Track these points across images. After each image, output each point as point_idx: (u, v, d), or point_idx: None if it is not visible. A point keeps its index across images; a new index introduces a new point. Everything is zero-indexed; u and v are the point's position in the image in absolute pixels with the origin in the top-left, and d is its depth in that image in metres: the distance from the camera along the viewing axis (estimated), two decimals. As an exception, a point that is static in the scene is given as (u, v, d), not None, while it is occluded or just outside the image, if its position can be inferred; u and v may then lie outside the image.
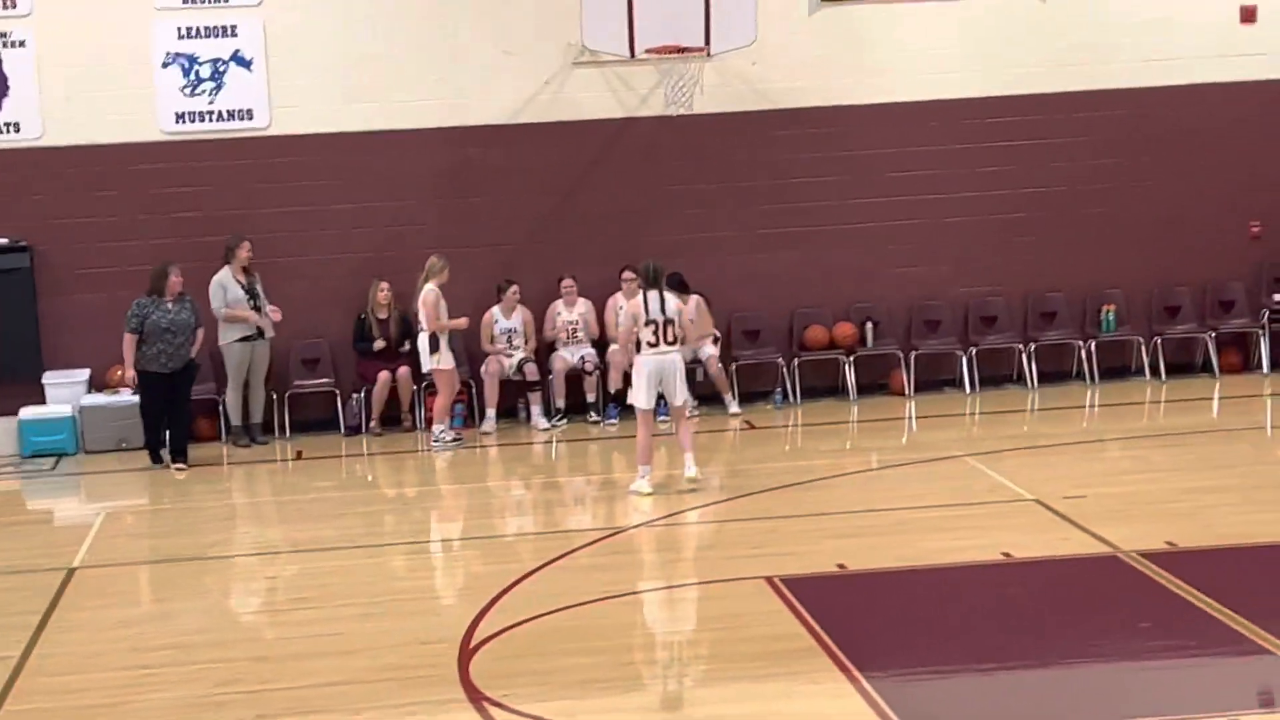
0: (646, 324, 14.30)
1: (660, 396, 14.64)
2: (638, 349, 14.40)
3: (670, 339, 14.34)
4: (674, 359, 14.38)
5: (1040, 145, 18.91)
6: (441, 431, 17.04)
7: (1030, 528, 12.69)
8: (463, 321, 17.36)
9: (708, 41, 17.24)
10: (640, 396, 14.38)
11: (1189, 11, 18.90)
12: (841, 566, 11.78)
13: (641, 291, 14.53)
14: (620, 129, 18.51)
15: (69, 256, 17.83)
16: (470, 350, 18.20)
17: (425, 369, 17.28)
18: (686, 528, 13.55)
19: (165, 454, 16.64)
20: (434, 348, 16.97)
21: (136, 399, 17.09)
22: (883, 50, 18.75)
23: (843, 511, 13.65)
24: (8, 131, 17.82)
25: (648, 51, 17.30)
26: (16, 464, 17.28)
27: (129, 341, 16.30)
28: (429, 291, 16.96)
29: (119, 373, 17.58)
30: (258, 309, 17.40)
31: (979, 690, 9.47)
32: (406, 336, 17.68)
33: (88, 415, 17.51)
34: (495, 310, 18.08)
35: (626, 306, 14.95)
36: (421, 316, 17.03)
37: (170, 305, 16.30)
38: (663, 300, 14.37)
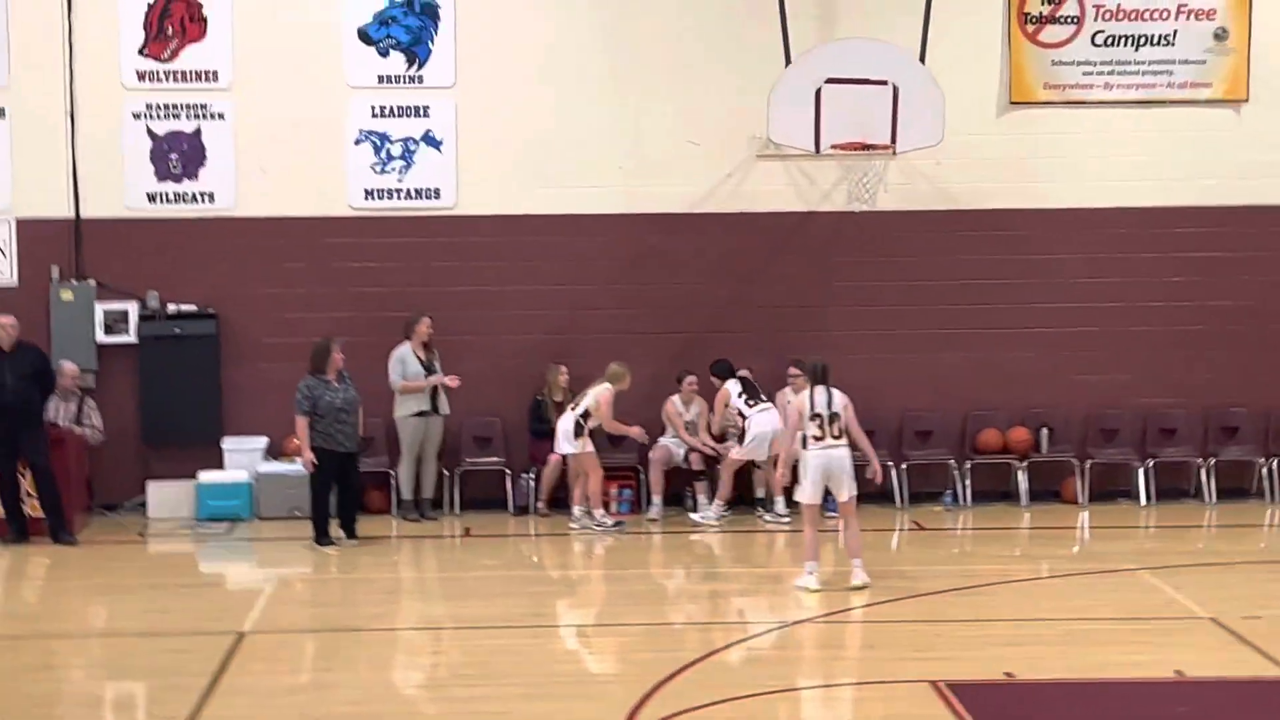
0: (812, 418, 14.25)
1: (827, 492, 14.55)
2: (804, 445, 14.34)
3: (836, 434, 14.27)
4: (841, 454, 14.30)
5: (1228, 258, 18.63)
6: (603, 516, 17.07)
7: (1204, 646, 12.39)
8: (635, 430, 17.45)
9: (894, 140, 17.24)
10: (806, 492, 14.31)
11: (1388, 128, 18.57)
12: (1009, 675, 11.58)
13: (809, 387, 14.49)
14: (801, 222, 18.52)
15: (253, 325, 18.20)
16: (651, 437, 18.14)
17: (561, 450, 17.33)
18: (850, 626, 13.41)
19: (334, 532, 16.60)
20: (579, 432, 17.03)
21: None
22: (1070, 155, 18.62)
23: (1010, 619, 13.41)
24: (202, 201, 18.25)
25: (833, 147, 17.33)
26: (192, 527, 17.58)
27: (302, 424, 16.30)
28: (606, 390, 17.07)
29: (294, 442, 17.85)
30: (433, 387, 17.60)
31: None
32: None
33: (263, 482, 17.78)
34: (676, 400, 18.07)
35: (794, 402, 14.91)
36: (589, 409, 17.10)
37: (336, 384, 16.41)
38: (829, 395, 14.32)
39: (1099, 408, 18.74)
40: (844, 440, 14.35)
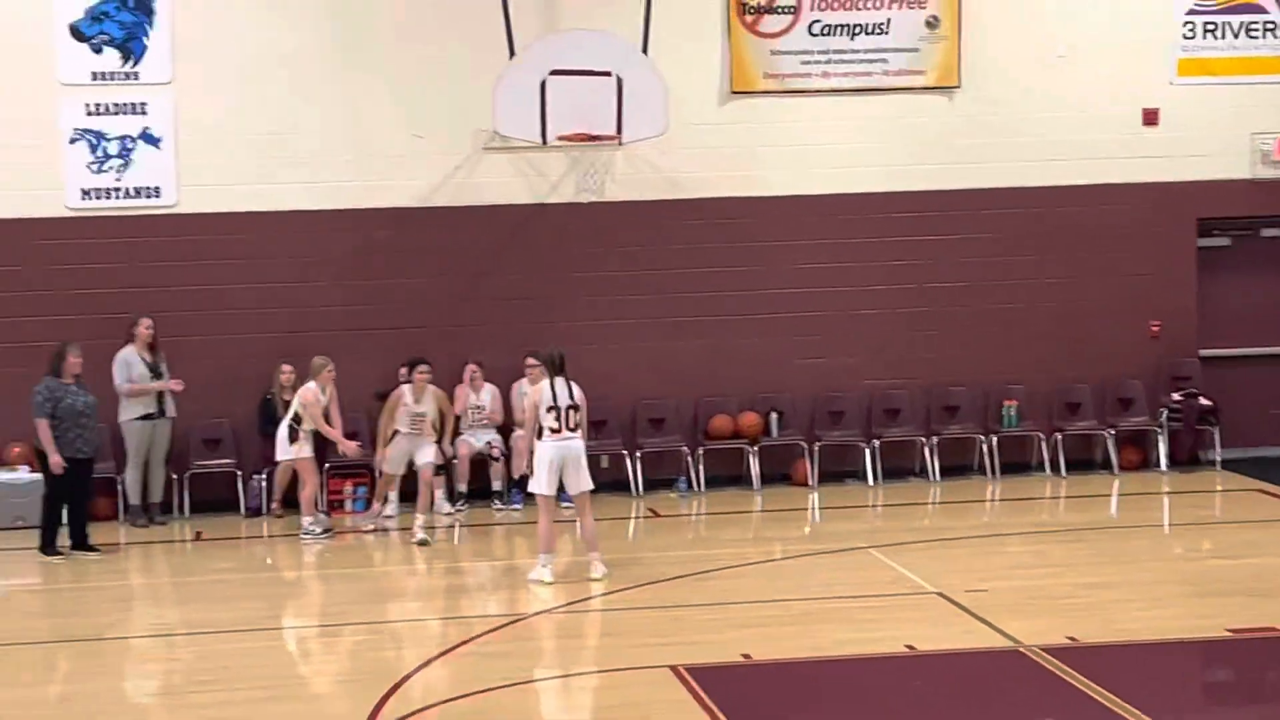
0: (549, 410, 14.28)
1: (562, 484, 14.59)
2: (539, 435, 14.37)
3: (573, 425, 14.33)
4: (577, 446, 14.36)
5: (946, 240, 19.11)
6: (311, 524, 16.86)
7: (933, 621, 12.73)
8: (351, 447, 17.05)
9: (619, 130, 17.38)
10: (541, 483, 14.34)
11: (1094, 112, 19.21)
12: (746, 656, 11.76)
13: (546, 378, 14.51)
14: (531, 214, 18.55)
15: (-32, 331, 17.64)
16: (374, 434, 18.07)
17: (279, 457, 17.11)
18: (589, 615, 13.49)
19: (61, 544, 16.09)
20: (293, 438, 16.83)
21: (32, 477, 16.88)
22: (791, 143, 18.92)
23: (747, 601, 13.61)
24: (-91, 203, 17.65)
25: (560, 138, 17.40)
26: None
27: (44, 427, 15.75)
28: (307, 389, 16.84)
29: (16, 450, 17.37)
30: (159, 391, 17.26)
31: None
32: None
33: (-22, 491, 17.26)
34: (406, 392, 17.95)
35: (529, 393, 14.94)
36: (298, 411, 16.89)
37: (75, 387, 15.98)
38: (569, 387, 14.37)
39: (826, 390, 19.10)
40: (579, 432, 14.42)
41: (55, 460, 15.75)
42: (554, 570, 14.31)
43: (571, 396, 14.33)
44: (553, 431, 14.27)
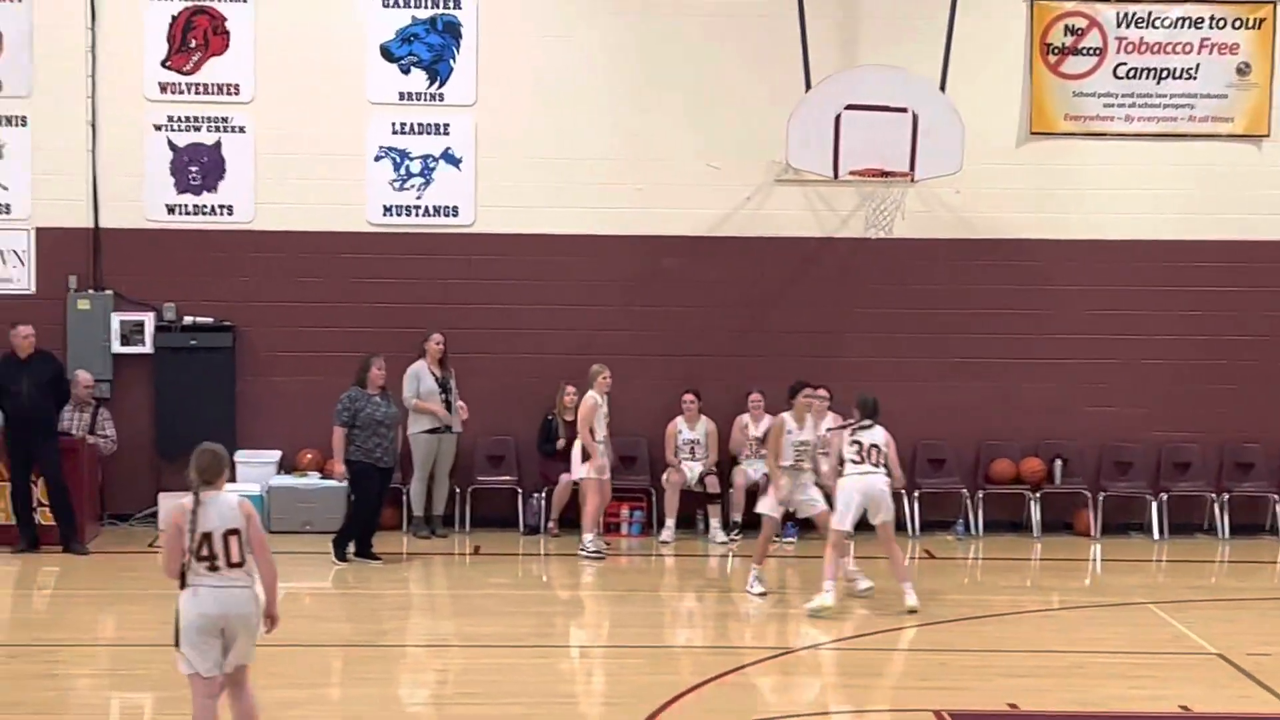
0: (850, 444, 14.44)
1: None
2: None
3: (876, 461, 14.45)
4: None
5: (1245, 293, 18.59)
6: (590, 540, 17.05)
7: (1210, 682, 12.36)
8: (339, 469, 16.60)
9: (912, 167, 17.27)
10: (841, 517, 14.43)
11: None
12: (1013, 706, 11.55)
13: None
14: (818, 248, 18.52)
15: (269, 339, 18.23)
16: (653, 459, 18.27)
17: (575, 476, 17.32)
18: (857, 653, 13.37)
19: (350, 552, 16.46)
20: (585, 456, 17.02)
21: (321, 483, 17.39)
22: (1090, 186, 18.61)
23: (1018, 650, 13.39)
24: (221, 213, 18.30)
25: (851, 173, 17.36)
26: (203, 538, 17.55)
27: (339, 435, 16.14)
28: (586, 398, 17.06)
29: (308, 456, 17.91)
30: (448, 403, 17.61)
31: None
32: (569, 438, 17.72)
33: (275, 496, 17.78)
34: (679, 420, 18.12)
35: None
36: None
37: (378, 398, 16.36)
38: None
39: (1113, 440, 18.69)
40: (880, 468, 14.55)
41: (337, 469, 16.19)
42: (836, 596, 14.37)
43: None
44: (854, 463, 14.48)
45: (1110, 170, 18.63)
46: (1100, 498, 18.45)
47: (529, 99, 18.41)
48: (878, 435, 14.65)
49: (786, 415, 14.95)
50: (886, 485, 14.55)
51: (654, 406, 18.06)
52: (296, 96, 18.27)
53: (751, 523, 17.85)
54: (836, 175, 17.37)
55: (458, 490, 18.13)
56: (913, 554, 17.55)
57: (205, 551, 9.44)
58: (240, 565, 9.48)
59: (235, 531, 9.47)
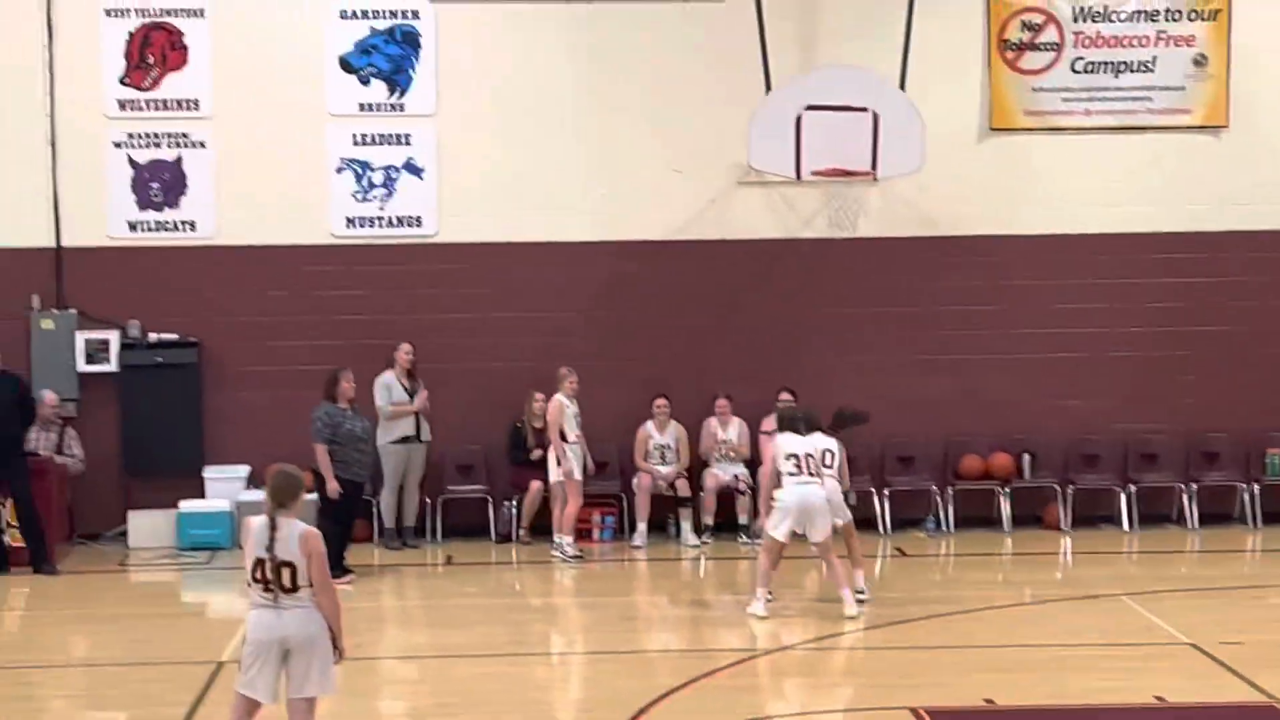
0: (787, 457, 14.25)
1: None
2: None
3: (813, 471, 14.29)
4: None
5: (1209, 283, 18.66)
6: (568, 545, 17.04)
7: (1185, 672, 12.39)
8: (565, 462, 16.97)
9: (874, 166, 17.30)
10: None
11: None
12: (989, 701, 11.57)
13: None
14: (782, 249, 18.55)
15: (235, 354, 18.16)
16: (624, 464, 18.27)
17: (552, 479, 17.29)
18: (832, 653, 13.41)
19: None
20: (558, 459, 17.03)
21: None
22: (1052, 180, 18.67)
23: (993, 645, 13.42)
24: (183, 229, 18.24)
25: (814, 173, 17.39)
26: (173, 556, 17.54)
27: (323, 451, 15.91)
28: (553, 402, 17.08)
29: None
30: (416, 414, 17.60)
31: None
32: (540, 445, 17.70)
33: (245, 511, 17.58)
34: (649, 425, 18.13)
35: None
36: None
37: (350, 412, 16.21)
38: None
39: (1081, 433, 18.75)
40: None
41: (333, 486, 15.90)
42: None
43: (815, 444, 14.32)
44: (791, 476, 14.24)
45: (1071, 164, 18.70)
46: (1069, 491, 18.50)
47: (489, 107, 18.39)
48: (817, 444, 14.41)
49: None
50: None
51: (623, 411, 18.05)
52: (256, 110, 18.21)
53: (723, 526, 17.96)
54: (799, 176, 17.41)
55: (428, 500, 18.10)
56: (884, 552, 17.60)
57: (260, 575, 9.30)
58: (294, 591, 9.25)
59: (290, 565, 9.24)
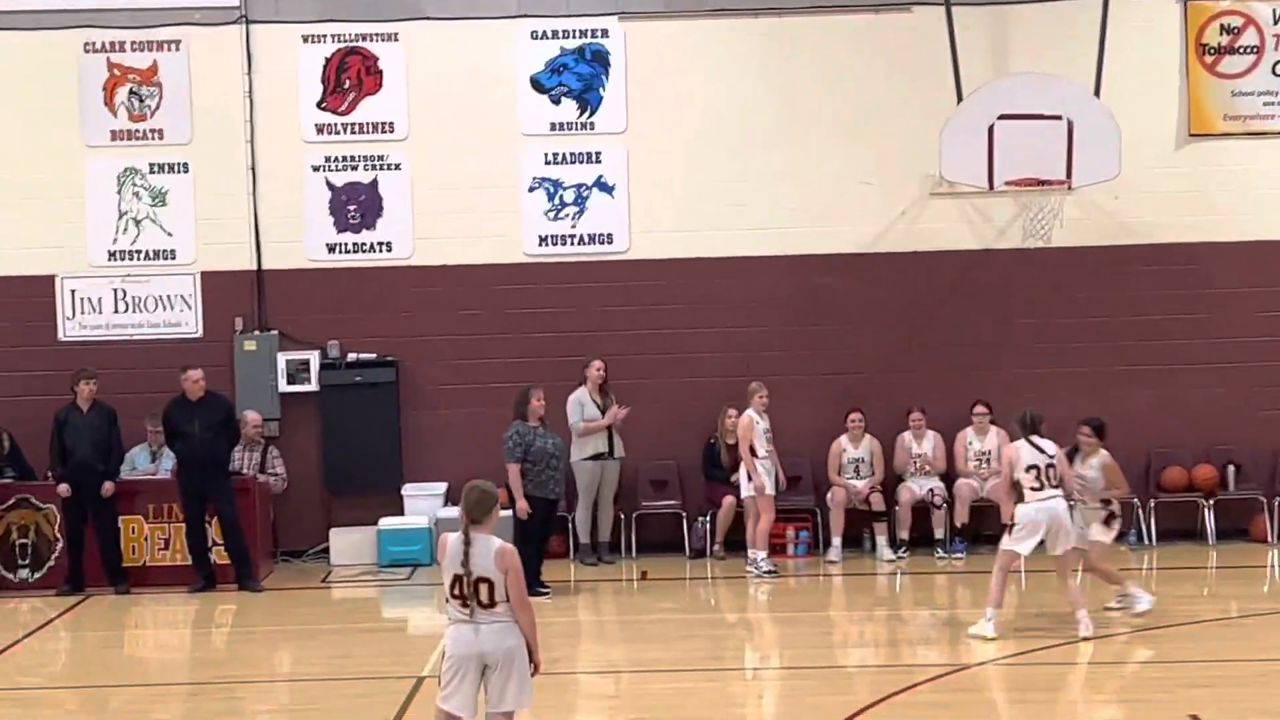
0: (1028, 469, 14.00)
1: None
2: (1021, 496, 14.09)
3: (1054, 483, 13.99)
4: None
5: None
6: (763, 560, 17.01)
7: (1402, 689, 12.07)
8: (757, 477, 16.93)
9: (1069, 175, 17.09)
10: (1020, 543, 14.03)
11: None
12: (1195, 718, 11.33)
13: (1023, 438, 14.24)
14: (975, 260, 18.37)
15: (431, 372, 18.41)
16: (818, 478, 18.20)
17: (744, 494, 17.27)
18: (1031, 669, 13.18)
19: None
20: (749, 475, 17.00)
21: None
22: (1252, 186, 18.29)
23: (1199, 660, 13.14)
24: (380, 250, 18.52)
25: (1007, 183, 17.20)
26: (374, 573, 17.80)
27: (515, 471, 15.95)
28: (743, 417, 17.05)
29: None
30: (610, 429, 17.67)
31: None
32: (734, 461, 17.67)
33: (444, 528, 17.82)
34: (843, 439, 18.05)
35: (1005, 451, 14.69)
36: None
37: (541, 430, 16.22)
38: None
39: (1287, 444, 18.35)
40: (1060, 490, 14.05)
41: (521, 506, 15.92)
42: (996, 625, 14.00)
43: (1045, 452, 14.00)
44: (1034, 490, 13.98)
45: (1272, 169, 18.30)
46: (1276, 503, 18.08)
47: (679, 123, 18.45)
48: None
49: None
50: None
51: (817, 426, 18.00)
52: (450, 131, 18.46)
53: (918, 540, 17.81)
54: (992, 186, 17.24)
55: (623, 516, 18.17)
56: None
57: (457, 591, 9.42)
58: (492, 606, 9.33)
59: (487, 580, 9.34)
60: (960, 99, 17.40)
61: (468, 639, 9.38)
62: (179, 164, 18.46)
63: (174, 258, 18.47)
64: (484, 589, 9.29)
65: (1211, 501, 18.11)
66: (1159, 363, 18.26)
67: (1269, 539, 18.00)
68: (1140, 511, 18.15)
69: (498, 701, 9.42)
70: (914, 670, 13.16)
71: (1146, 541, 18.12)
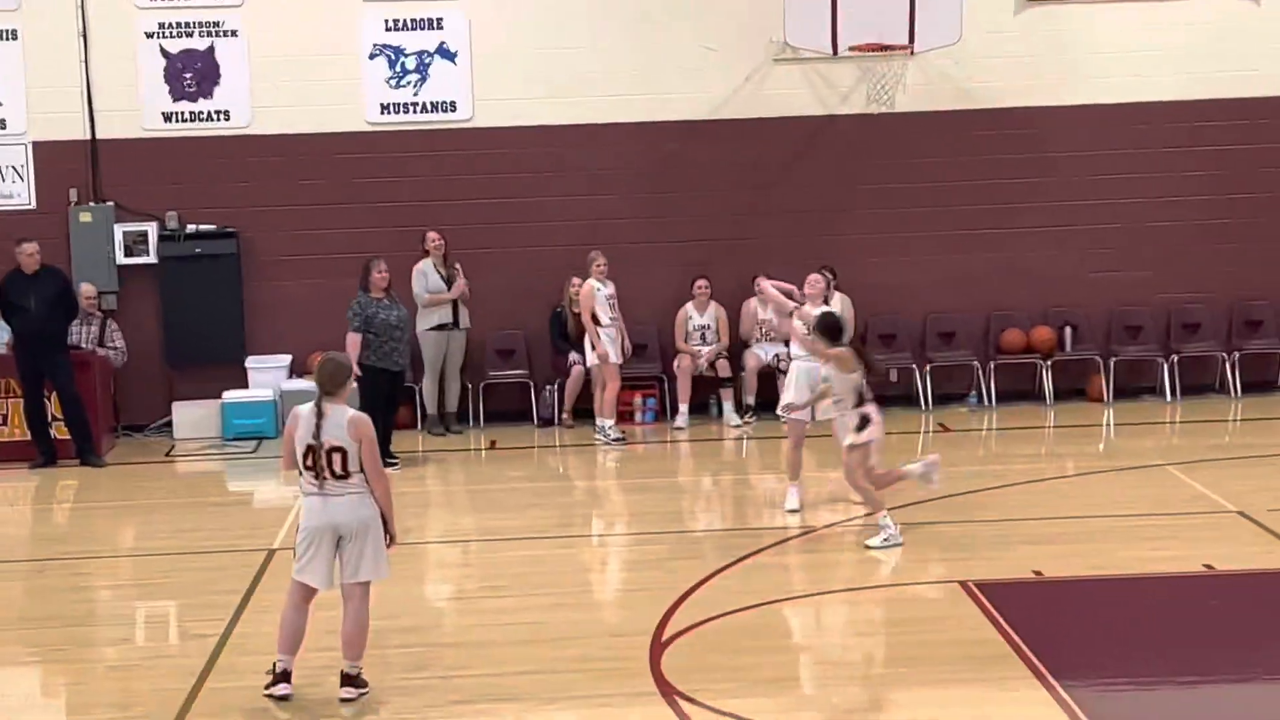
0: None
1: None
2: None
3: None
4: None
5: (1248, 150, 18.48)
6: (609, 428, 17.11)
7: (1233, 540, 12.42)
8: (599, 346, 17.01)
9: (912, 40, 17.15)
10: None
11: None
12: (1038, 573, 11.61)
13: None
14: (820, 126, 18.42)
15: (273, 243, 18.16)
16: (664, 346, 18.27)
17: (588, 363, 17.34)
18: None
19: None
20: (593, 343, 17.05)
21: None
22: (1088, 51, 18.46)
23: (1038, 518, 13.42)
24: (217, 119, 18.18)
25: (850, 49, 17.23)
26: (219, 446, 17.64)
27: (354, 340, 15.78)
28: (584, 286, 17.06)
29: (318, 359, 17.83)
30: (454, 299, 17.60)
31: (1179, 702, 9.30)
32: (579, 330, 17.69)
33: (289, 399, 17.71)
34: (689, 306, 18.12)
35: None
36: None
37: (385, 301, 16.13)
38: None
39: (1122, 305, 18.68)
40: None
41: (353, 372, 15.93)
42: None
43: None
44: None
45: (1108, 33, 18.48)
46: (1111, 363, 18.47)
47: (521, -11, 18.27)
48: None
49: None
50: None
51: (663, 294, 18.06)
52: (287, -2, 18.13)
53: (764, 405, 17.95)
54: (835, 51, 17.25)
55: (469, 386, 18.14)
56: (926, 427, 17.61)
57: (310, 463, 9.35)
58: (346, 477, 9.34)
59: (340, 449, 9.31)
60: (804, -37, 17.36)
61: (320, 510, 9.36)
62: (7, 30, 17.94)
63: (4, 127, 17.99)
64: (337, 458, 9.26)
65: (1049, 362, 18.45)
66: (998, 226, 18.48)
67: (1104, 398, 18.39)
68: (980, 373, 18.45)
69: (353, 573, 9.42)
70: (762, 534, 13.32)
71: (986, 403, 18.45)
